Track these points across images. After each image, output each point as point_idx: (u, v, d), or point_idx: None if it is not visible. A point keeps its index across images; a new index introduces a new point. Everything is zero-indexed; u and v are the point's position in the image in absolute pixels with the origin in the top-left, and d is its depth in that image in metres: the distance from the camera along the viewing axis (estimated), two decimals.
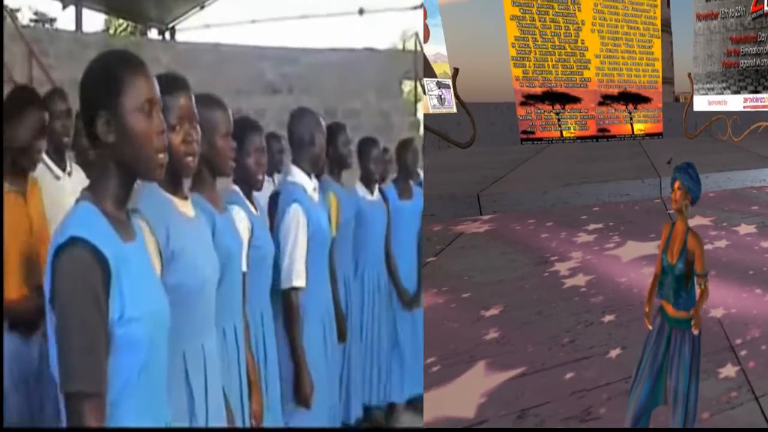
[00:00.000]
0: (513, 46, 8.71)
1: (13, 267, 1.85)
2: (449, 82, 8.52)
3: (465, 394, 2.12)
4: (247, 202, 1.84)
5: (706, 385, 1.74)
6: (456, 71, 8.49)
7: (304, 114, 2.24)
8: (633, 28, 9.46)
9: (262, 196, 2.09)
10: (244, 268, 1.67)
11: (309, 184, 2.16)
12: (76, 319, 0.97)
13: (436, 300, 3.05)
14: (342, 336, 2.43)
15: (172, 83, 1.35)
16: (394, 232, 2.96)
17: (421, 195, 3.22)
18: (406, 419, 3.03)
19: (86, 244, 0.98)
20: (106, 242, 1.00)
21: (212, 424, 1.40)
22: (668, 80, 10.84)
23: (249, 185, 1.87)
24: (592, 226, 4.38)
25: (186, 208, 1.39)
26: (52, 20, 11.38)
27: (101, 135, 1.06)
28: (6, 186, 1.89)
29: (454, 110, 8.67)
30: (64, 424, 1.03)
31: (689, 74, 9.84)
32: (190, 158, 1.34)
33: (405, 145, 3.17)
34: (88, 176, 2.15)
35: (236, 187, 1.85)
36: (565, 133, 9.28)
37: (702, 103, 9.75)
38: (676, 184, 1.62)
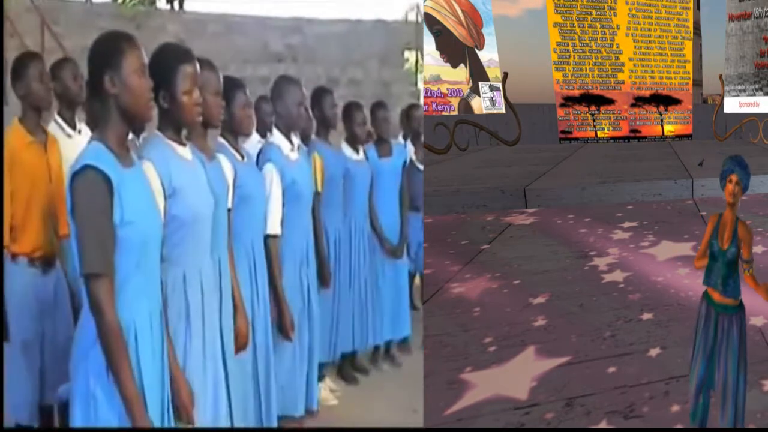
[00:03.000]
0: (555, 51, 8.25)
1: (35, 210, 1.89)
2: (500, 85, 8.18)
3: (518, 376, 2.04)
4: (233, 151, 1.89)
5: (749, 396, 1.56)
6: (505, 75, 8.13)
7: (283, 82, 2.21)
8: (665, 31, 8.71)
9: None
10: (229, 205, 1.72)
11: (286, 145, 2.16)
12: (90, 221, 1.16)
13: (491, 285, 2.95)
14: (325, 281, 2.43)
15: (184, 53, 1.45)
16: (376, 187, 2.89)
17: (402, 152, 3.09)
18: (388, 361, 3.00)
19: (95, 168, 1.16)
20: (110, 168, 1.18)
21: (208, 341, 1.49)
22: (697, 82, 9.90)
23: (238, 134, 1.92)
24: (627, 224, 4.10)
25: (185, 152, 1.48)
26: None
27: (108, 88, 1.23)
28: (28, 138, 1.93)
29: (503, 111, 8.34)
30: (75, 343, 1.20)
31: (720, 76, 8.92)
32: (199, 117, 1.46)
33: (378, 108, 3.02)
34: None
35: (221, 139, 1.90)
36: (599, 134, 8.76)
37: (733, 104, 8.84)
38: (734, 178, 1.44)
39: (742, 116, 8.78)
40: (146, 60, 1.27)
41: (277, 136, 2.18)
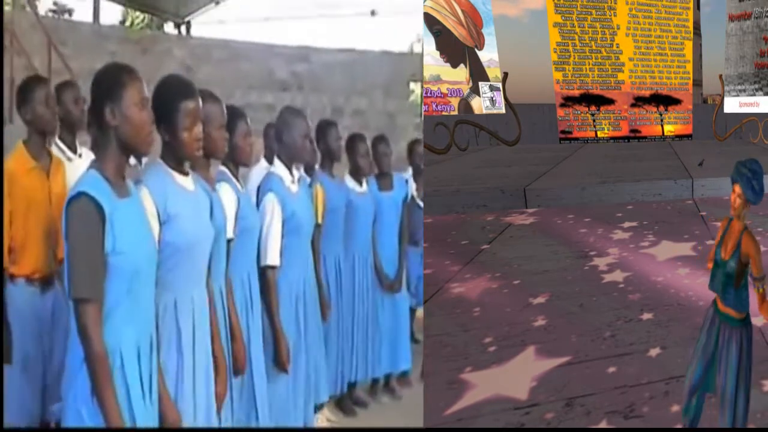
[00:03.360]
0: (555, 51, 8.26)
1: (34, 233, 1.91)
2: (500, 85, 8.18)
3: (518, 376, 2.04)
4: (234, 180, 1.88)
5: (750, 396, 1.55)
6: (505, 75, 8.14)
7: (287, 113, 2.20)
8: (665, 31, 8.72)
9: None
10: (230, 235, 1.75)
11: (287, 176, 2.14)
12: (81, 246, 1.17)
13: (491, 285, 2.95)
14: (323, 314, 2.39)
15: (186, 88, 1.45)
16: (376, 221, 2.85)
17: (403, 186, 3.06)
18: (388, 394, 2.97)
19: (89, 197, 1.19)
20: (104, 197, 1.20)
21: (198, 366, 1.48)
22: (697, 82, 9.90)
23: (239, 163, 1.92)
24: (627, 224, 4.10)
25: (186, 182, 1.49)
26: (70, 11, 10.29)
27: (108, 120, 1.25)
28: (31, 163, 1.94)
29: (503, 111, 8.35)
30: (66, 364, 1.21)
31: (720, 76, 8.92)
32: (199, 152, 1.48)
33: (378, 142, 3.00)
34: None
35: (223, 168, 1.89)
36: (599, 134, 8.77)
37: (733, 104, 8.84)
38: (736, 189, 1.36)
39: (742, 116, 8.77)
40: (147, 93, 1.28)
41: (278, 167, 2.16)
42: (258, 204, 2.05)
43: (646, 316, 2.47)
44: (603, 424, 1.71)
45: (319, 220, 2.40)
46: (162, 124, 1.43)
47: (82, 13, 9.79)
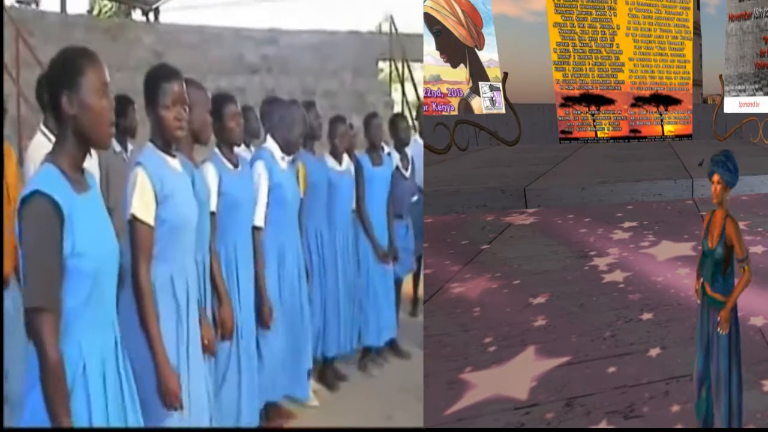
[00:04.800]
0: (555, 51, 8.25)
1: None
2: (500, 85, 8.18)
3: (518, 376, 2.04)
4: (224, 159, 2.05)
5: (749, 396, 1.57)
6: (505, 75, 8.13)
7: (276, 102, 2.42)
8: (665, 31, 8.71)
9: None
10: (213, 209, 1.91)
11: (278, 152, 2.36)
12: (36, 252, 1.08)
13: (491, 285, 2.95)
14: (306, 278, 2.54)
15: (169, 72, 1.55)
16: (369, 195, 2.98)
17: (390, 163, 3.19)
18: (376, 363, 3.02)
19: (45, 195, 1.08)
20: (62, 194, 1.10)
21: (192, 326, 1.57)
22: (697, 82, 9.88)
23: (231, 143, 2.08)
24: (627, 224, 4.10)
25: (175, 164, 1.58)
26: (37, 1, 9.59)
27: (65, 109, 1.15)
28: None
29: (503, 111, 8.34)
30: (26, 375, 1.12)
31: (720, 76, 8.91)
32: (179, 131, 1.54)
33: (372, 118, 3.13)
34: None
35: (216, 149, 2.07)
36: (599, 134, 8.76)
37: (733, 104, 8.83)
38: (715, 178, 1.47)
39: (742, 116, 8.76)
40: (107, 78, 1.19)
41: (270, 143, 2.37)
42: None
43: (646, 316, 2.47)
44: (603, 424, 1.71)
45: (301, 195, 2.54)
46: (148, 104, 1.54)
47: (49, 3, 9.51)
